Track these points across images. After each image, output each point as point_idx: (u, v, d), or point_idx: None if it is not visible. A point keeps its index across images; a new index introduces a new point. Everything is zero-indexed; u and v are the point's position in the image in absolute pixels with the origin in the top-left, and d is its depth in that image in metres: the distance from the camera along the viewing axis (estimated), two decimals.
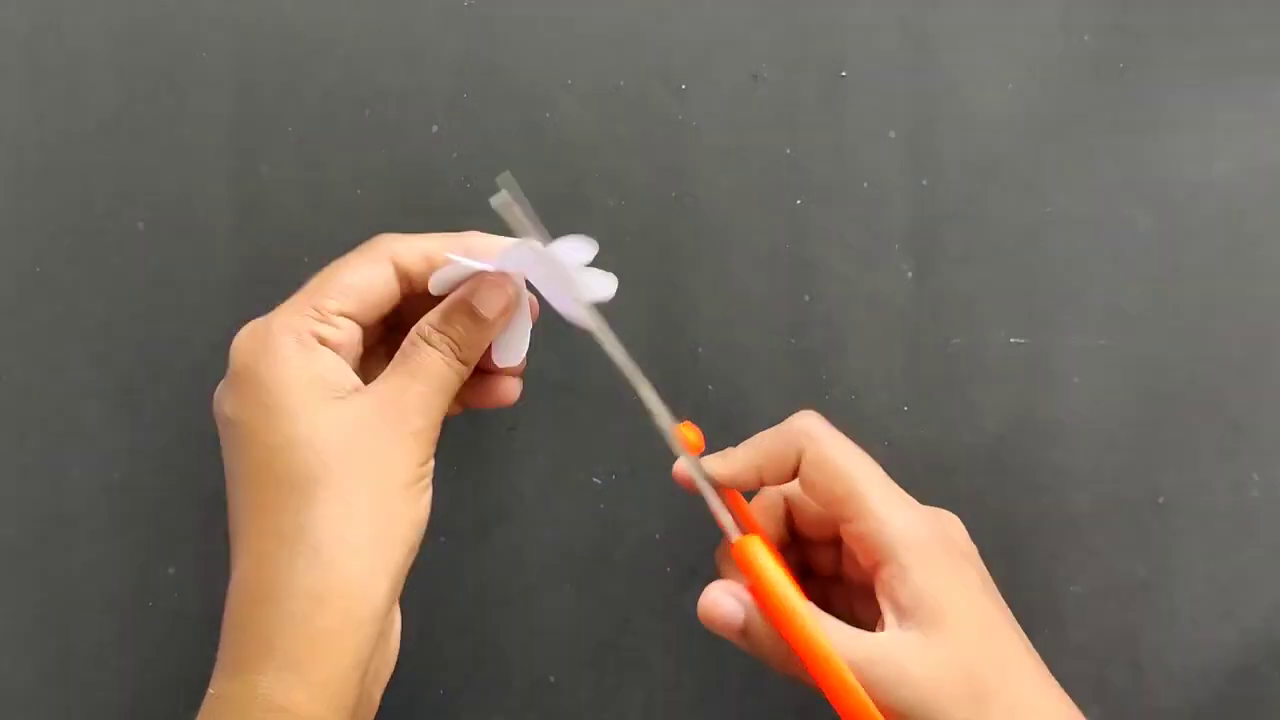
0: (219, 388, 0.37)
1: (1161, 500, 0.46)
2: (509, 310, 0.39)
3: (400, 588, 0.36)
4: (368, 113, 0.46)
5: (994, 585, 0.38)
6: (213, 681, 0.35)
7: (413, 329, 0.38)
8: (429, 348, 0.37)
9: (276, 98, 0.46)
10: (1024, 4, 0.46)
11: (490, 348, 0.39)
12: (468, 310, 0.38)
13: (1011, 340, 0.46)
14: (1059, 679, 0.37)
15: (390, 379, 0.37)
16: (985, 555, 0.39)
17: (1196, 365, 0.46)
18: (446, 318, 0.37)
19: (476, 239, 0.40)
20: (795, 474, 0.38)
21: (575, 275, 0.38)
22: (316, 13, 0.46)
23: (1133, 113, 0.46)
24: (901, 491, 0.38)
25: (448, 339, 0.37)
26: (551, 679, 0.46)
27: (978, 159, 0.46)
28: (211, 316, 0.46)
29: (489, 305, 0.38)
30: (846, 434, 0.39)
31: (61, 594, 0.46)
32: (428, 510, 0.37)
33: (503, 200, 0.37)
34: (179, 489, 0.46)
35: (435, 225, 0.45)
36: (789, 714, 0.46)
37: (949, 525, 0.39)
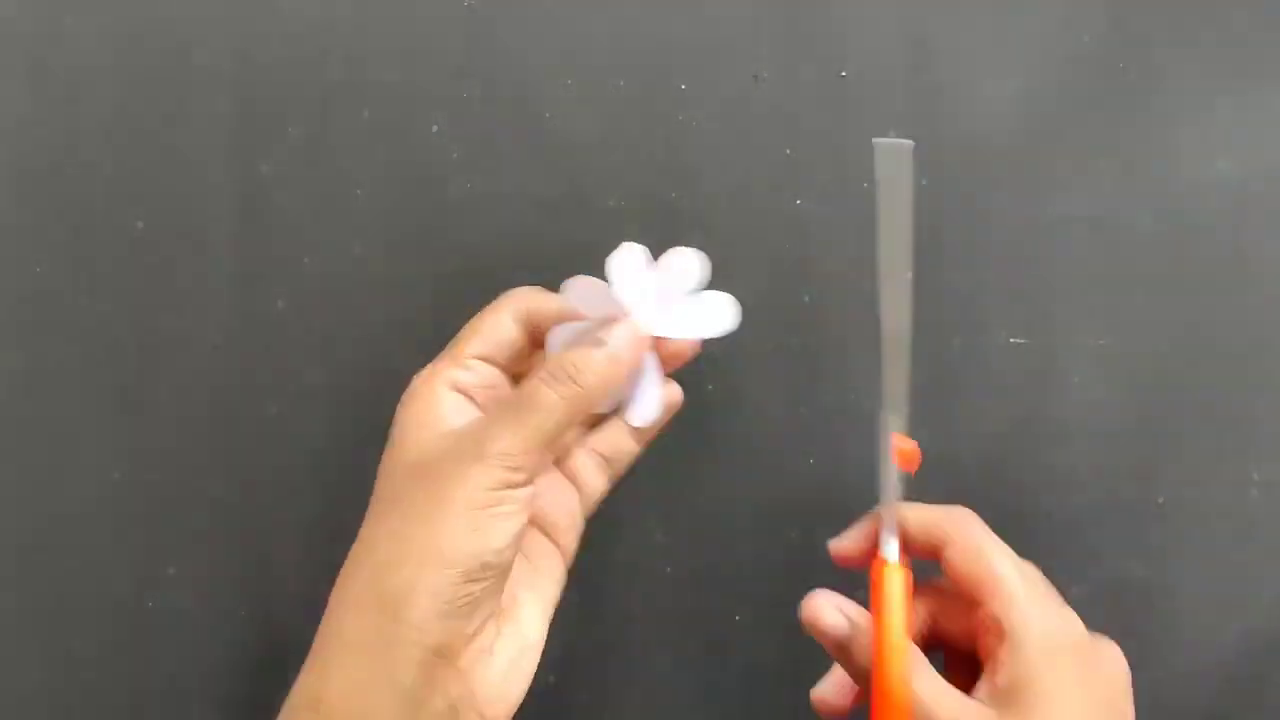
0: None
1: (1161, 500, 0.46)
2: (636, 344, 0.38)
3: (465, 620, 0.35)
4: (368, 113, 0.46)
5: None
6: None
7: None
8: (535, 376, 0.37)
9: (276, 98, 0.46)
10: (1024, 4, 0.46)
11: (624, 406, 0.39)
12: (590, 340, 0.37)
13: (1011, 340, 0.46)
14: None
15: (490, 409, 0.38)
16: None
17: (1196, 365, 0.46)
18: (572, 349, 0.37)
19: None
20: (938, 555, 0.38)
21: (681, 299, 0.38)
22: (316, 13, 0.46)
23: (1133, 113, 0.46)
24: (1058, 595, 0.38)
25: (563, 366, 0.37)
26: (551, 679, 0.46)
27: (978, 159, 0.46)
28: (211, 316, 0.46)
29: (616, 337, 0.37)
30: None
31: (61, 594, 0.46)
32: (499, 540, 0.35)
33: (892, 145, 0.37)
34: (179, 489, 0.46)
35: (435, 225, 0.46)
36: (789, 714, 0.46)
37: (1107, 649, 0.38)
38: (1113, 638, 0.44)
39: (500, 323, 0.39)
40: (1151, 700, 0.45)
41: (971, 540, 0.38)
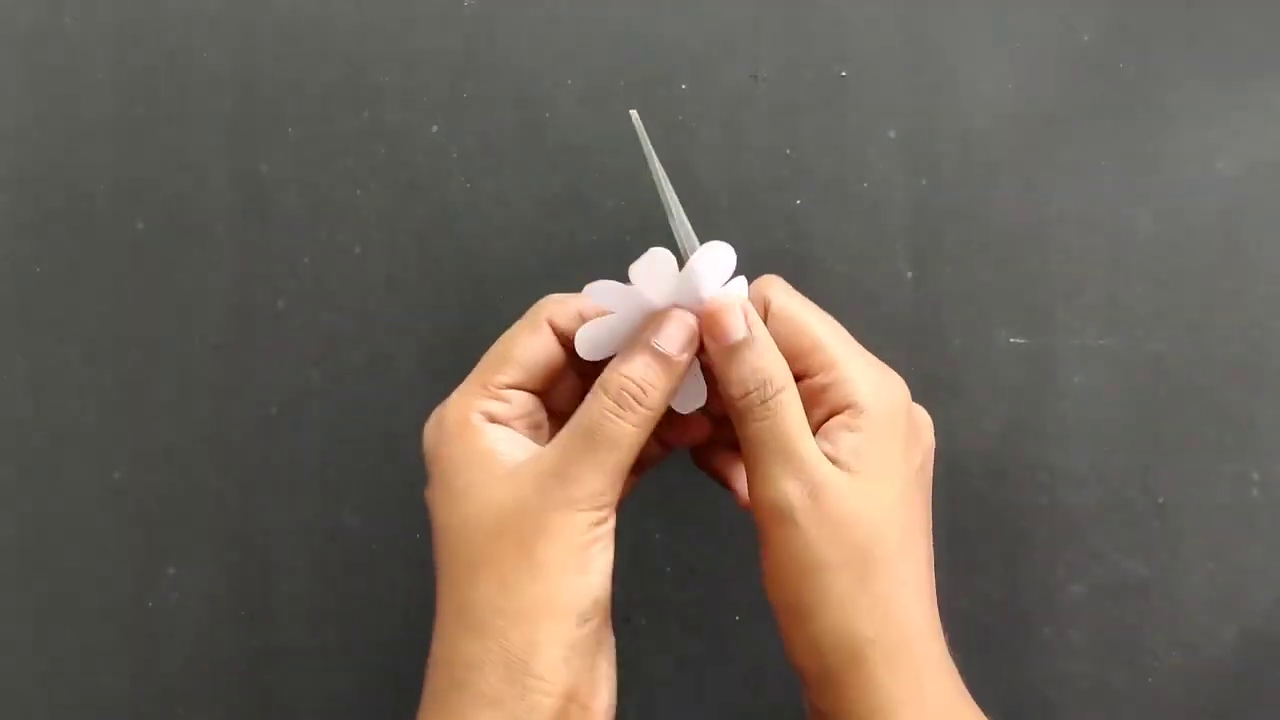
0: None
1: (1161, 500, 0.46)
2: (694, 343, 0.36)
3: (586, 660, 0.35)
4: (367, 113, 0.46)
5: (930, 490, 0.38)
6: None
7: (596, 382, 0.36)
8: (601, 406, 0.35)
9: (276, 98, 0.46)
10: (1024, 4, 0.46)
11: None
12: (649, 351, 0.36)
13: (1011, 340, 0.46)
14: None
15: (559, 444, 0.36)
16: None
17: (1196, 365, 0.46)
18: (627, 363, 0.36)
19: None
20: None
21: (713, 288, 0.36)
22: (316, 13, 0.46)
23: (1132, 113, 0.46)
24: (869, 354, 0.38)
25: (626, 390, 0.35)
26: None
27: (978, 159, 0.46)
28: (211, 316, 0.46)
29: (672, 340, 0.36)
30: None
31: (61, 594, 0.46)
32: (600, 574, 0.35)
33: (636, 117, 0.36)
34: (179, 489, 0.46)
35: (435, 225, 0.46)
36: (789, 714, 0.46)
37: (920, 416, 0.38)
38: (1113, 638, 0.45)
39: (536, 347, 0.37)
40: (1152, 700, 0.45)
41: (791, 309, 0.37)
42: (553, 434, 0.37)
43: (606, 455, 0.35)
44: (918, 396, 0.38)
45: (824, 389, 0.37)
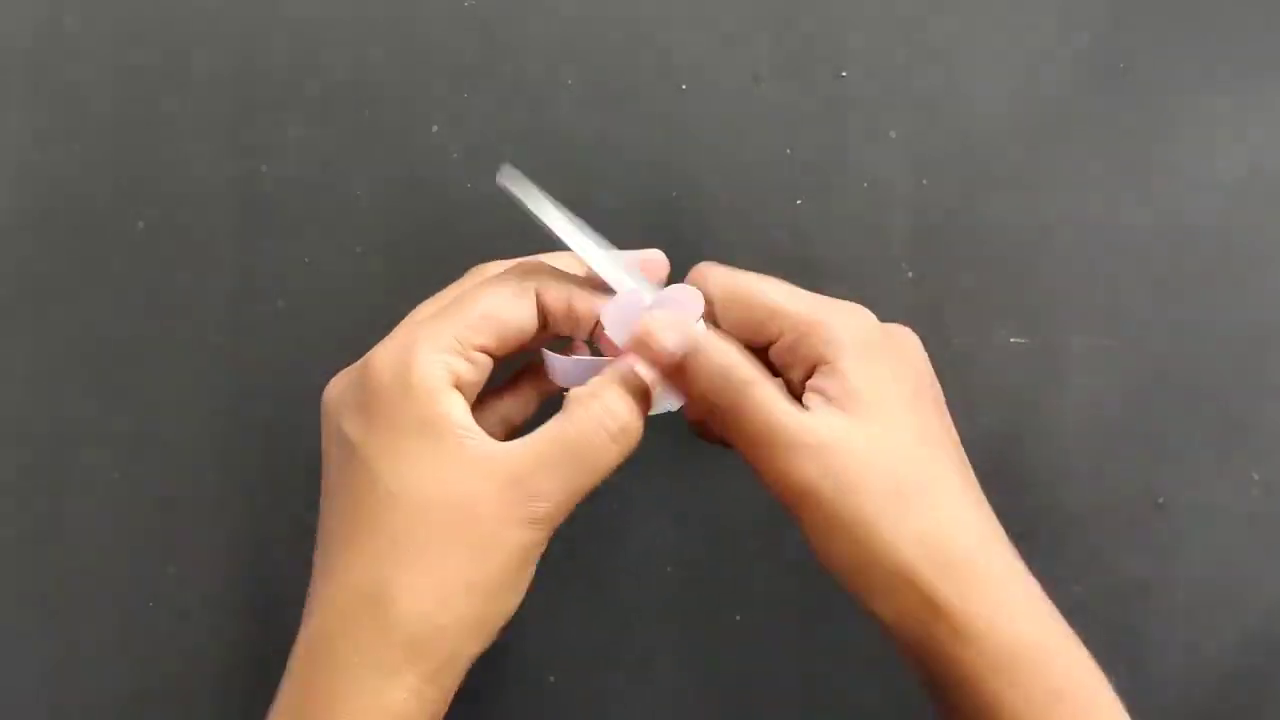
0: (342, 386, 0.35)
1: (1161, 500, 0.46)
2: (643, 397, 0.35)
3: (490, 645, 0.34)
4: (368, 113, 0.46)
5: (944, 404, 0.37)
6: None
7: (591, 394, 0.34)
8: (598, 423, 0.33)
9: (276, 98, 0.46)
10: (1024, 4, 0.46)
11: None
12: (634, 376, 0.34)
13: (1011, 340, 0.46)
14: None
15: (533, 449, 0.33)
16: None
17: (1196, 365, 0.46)
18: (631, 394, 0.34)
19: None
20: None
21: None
22: (317, 13, 0.46)
23: (1133, 113, 0.46)
24: (822, 297, 0.36)
25: (624, 426, 0.34)
26: (551, 679, 0.46)
27: (978, 159, 0.46)
28: (211, 316, 0.46)
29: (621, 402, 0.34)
30: None
31: (61, 594, 0.46)
32: (525, 586, 0.34)
33: (511, 174, 0.34)
34: (179, 489, 0.46)
35: (435, 225, 0.46)
36: (789, 714, 0.46)
37: (899, 333, 0.37)
38: (1113, 638, 0.45)
39: (519, 313, 0.35)
40: (1152, 700, 0.45)
41: (733, 289, 0.36)
42: (478, 413, 0.34)
43: (583, 479, 0.33)
44: None
45: (792, 347, 0.35)
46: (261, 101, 0.46)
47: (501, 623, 0.33)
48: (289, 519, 0.46)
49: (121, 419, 0.46)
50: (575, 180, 0.46)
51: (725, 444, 0.36)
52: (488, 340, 0.34)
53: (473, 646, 0.33)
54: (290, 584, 0.46)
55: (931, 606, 0.33)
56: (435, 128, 0.46)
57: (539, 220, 0.35)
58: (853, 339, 0.35)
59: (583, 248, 0.35)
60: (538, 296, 0.35)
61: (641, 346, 0.34)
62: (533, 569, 0.34)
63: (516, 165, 0.46)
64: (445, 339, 0.34)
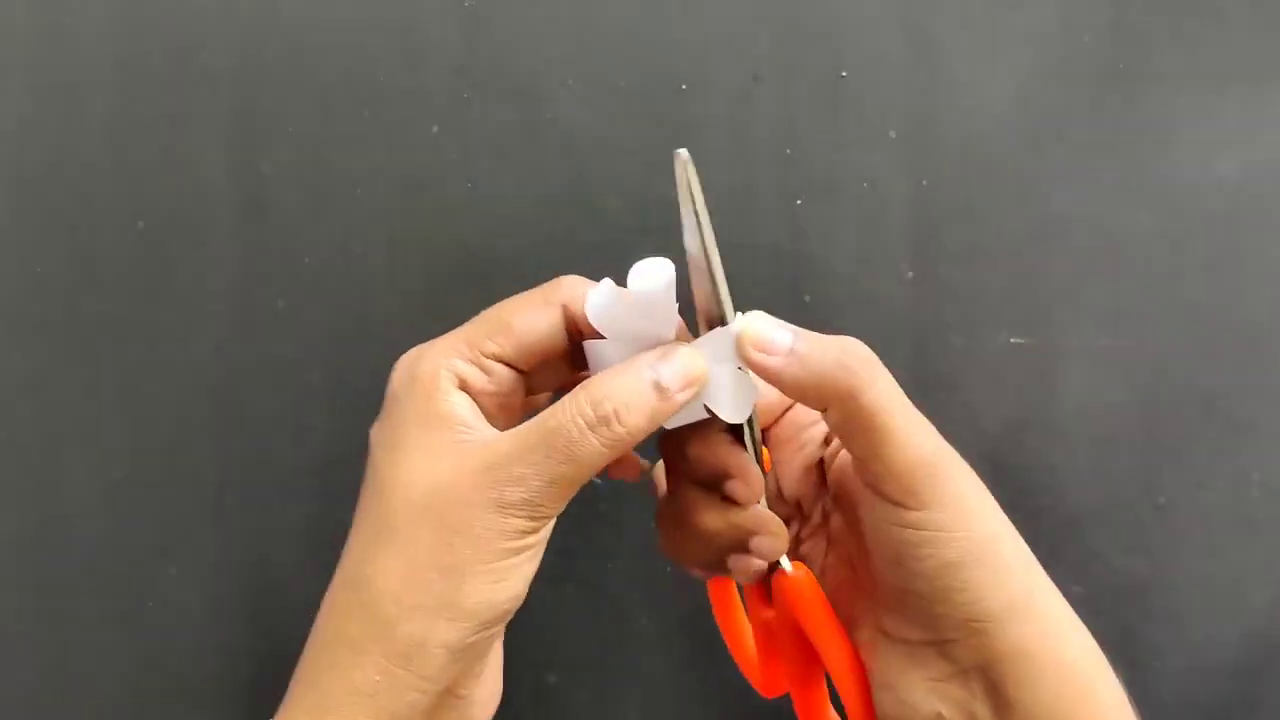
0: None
1: (1161, 500, 0.46)
2: (692, 387, 0.33)
3: (474, 663, 0.34)
4: (368, 113, 0.46)
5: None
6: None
7: (578, 385, 0.33)
8: (573, 412, 0.32)
9: (276, 98, 0.46)
10: (1024, 4, 0.46)
11: (710, 402, 0.34)
12: (647, 379, 0.33)
13: (1011, 340, 0.46)
14: None
15: (514, 437, 0.32)
16: None
17: (1196, 365, 0.46)
18: (618, 379, 0.33)
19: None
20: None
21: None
22: (316, 13, 0.46)
23: (1133, 113, 0.46)
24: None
25: (604, 407, 0.32)
26: (551, 679, 0.46)
27: (978, 159, 0.46)
28: (211, 316, 0.46)
29: (675, 378, 0.33)
30: None
31: (61, 594, 0.46)
32: (514, 590, 0.33)
33: (688, 158, 0.33)
34: (179, 489, 0.46)
35: (435, 225, 0.46)
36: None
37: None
38: (1113, 638, 0.45)
39: (541, 325, 0.34)
40: (1152, 700, 0.45)
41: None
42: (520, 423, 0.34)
43: (559, 466, 0.32)
44: (917, 396, 0.38)
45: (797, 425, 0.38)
46: (261, 101, 0.46)
47: (485, 613, 0.32)
48: (289, 519, 0.46)
49: (121, 419, 0.46)
50: (576, 180, 0.46)
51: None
52: (503, 349, 0.34)
53: (447, 632, 0.32)
54: (290, 584, 0.46)
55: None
56: (435, 128, 0.46)
57: (689, 209, 0.34)
58: (938, 461, 0.34)
59: (717, 260, 0.35)
60: (566, 309, 0.35)
61: (747, 345, 0.34)
62: (520, 560, 0.33)
63: (516, 165, 0.46)
64: (457, 345, 0.34)
